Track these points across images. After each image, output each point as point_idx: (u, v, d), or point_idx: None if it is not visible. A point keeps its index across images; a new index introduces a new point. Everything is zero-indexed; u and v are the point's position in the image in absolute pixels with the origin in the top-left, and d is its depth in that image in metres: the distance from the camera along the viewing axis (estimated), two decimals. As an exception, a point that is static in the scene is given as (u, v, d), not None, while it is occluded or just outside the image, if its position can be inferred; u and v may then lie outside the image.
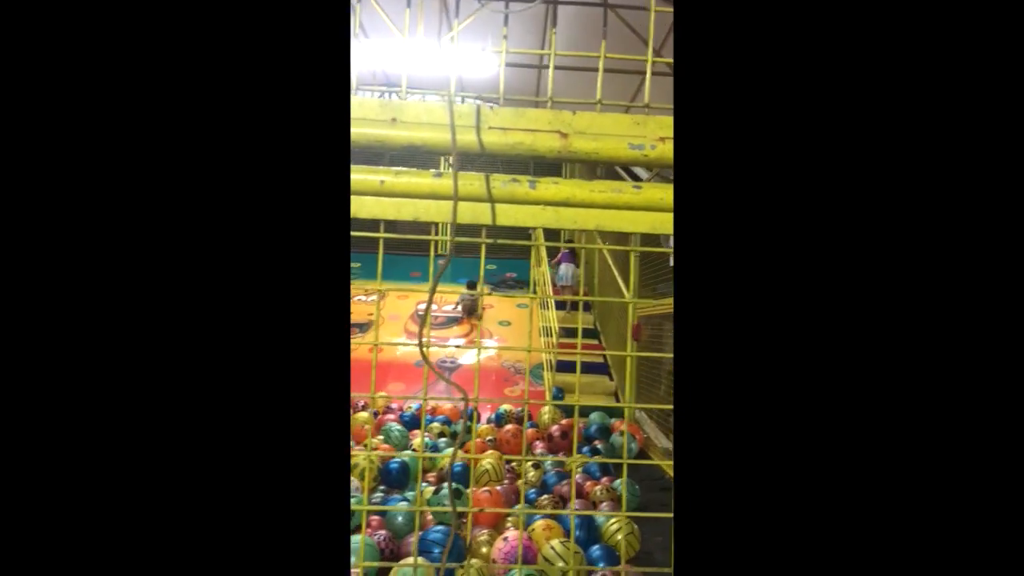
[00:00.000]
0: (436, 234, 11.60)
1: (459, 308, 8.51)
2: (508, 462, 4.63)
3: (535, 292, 8.91)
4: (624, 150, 0.96)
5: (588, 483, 4.16)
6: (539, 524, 3.30)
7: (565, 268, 8.24)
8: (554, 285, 8.61)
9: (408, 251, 11.67)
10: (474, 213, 0.96)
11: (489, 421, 6.09)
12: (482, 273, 1.11)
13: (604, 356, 7.75)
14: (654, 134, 0.95)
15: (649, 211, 0.97)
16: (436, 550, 3.14)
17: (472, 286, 7.96)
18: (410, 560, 2.91)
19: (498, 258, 11.46)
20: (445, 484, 4.03)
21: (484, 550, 3.19)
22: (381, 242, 0.95)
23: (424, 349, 0.92)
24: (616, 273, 7.23)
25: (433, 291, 0.94)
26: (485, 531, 3.38)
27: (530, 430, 5.46)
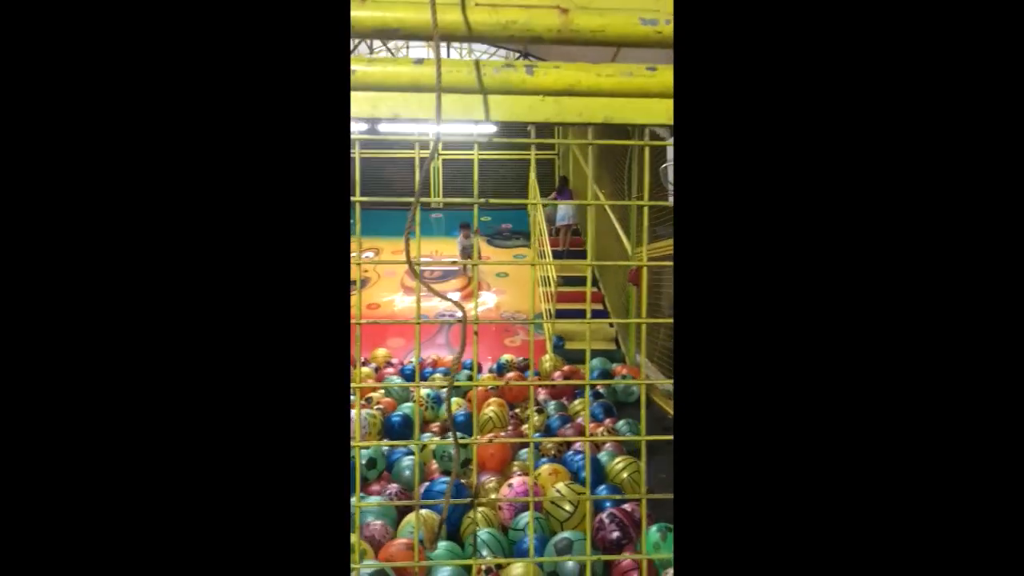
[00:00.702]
0: (431, 192, 11.42)
1: (459, 253, 8.45)
2: (512, 408, 4.60)
3: (533, 242, 8.79)
4: (634, 26, 0.82)
5: (591, 425, 4.13)
6: (544, 468, 3.26)
7: (565, 209, 8.27)
8: (551, 224, 8.53)
9: (402, 207, 11.48)
10: (464, 106, 0.83)
11: (491, 371, 6.05)
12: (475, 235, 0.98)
13: (603, 302, 7.68)
14: (670, 5, 0.81)
15: (665, 98, 0.84)
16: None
17: (467, 226, 7.93)
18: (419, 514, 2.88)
19: (493, 209, 11.28)
20: (449, 433, 4.00)
21: (491, 496, 3.17)
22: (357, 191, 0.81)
23: (416, 267, 0.81)
24: (614, 220, 7.08)
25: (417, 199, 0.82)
26: (492, 477, 3.35)
27: (532, 377, 5.42)
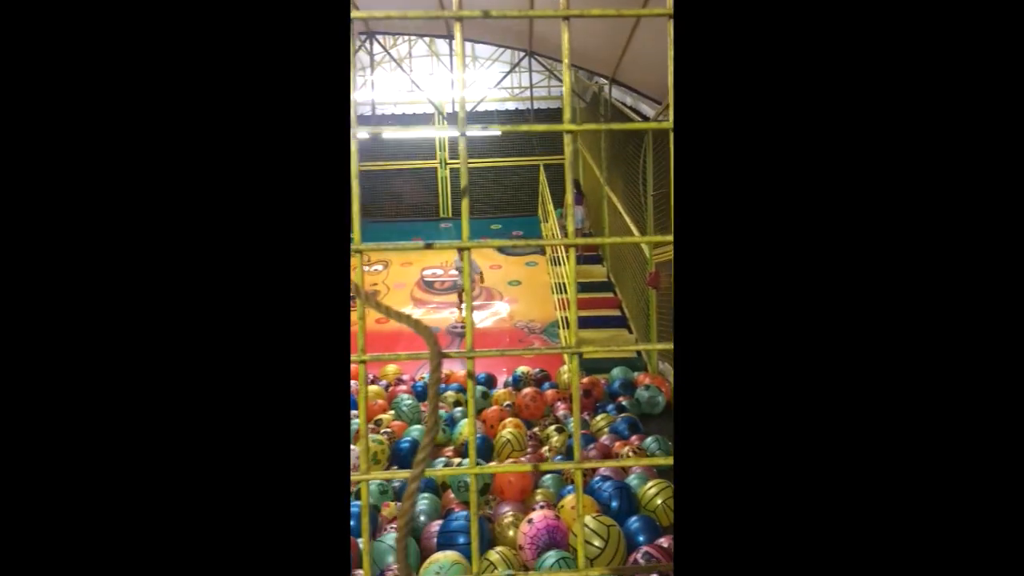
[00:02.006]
0: (439, 202, 11.24)
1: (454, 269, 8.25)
2: (529, 427, 4.30)
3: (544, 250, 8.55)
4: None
5: (617, 443, 3.82)
6: (568, 500, 2.97)
7: (577, 210, 8.09)
8: (564, 231, 8.41)
9: (411, 217, 11.30)
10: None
11: (507, 385, 5.77)
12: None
13: (621, 309, 7.39)
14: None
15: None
16: (461, 539, 2.83)
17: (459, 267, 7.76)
18: (439, 555, 2.61)
19: (503, 216, 11.05)
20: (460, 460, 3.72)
21: (511, 533, 2.88)
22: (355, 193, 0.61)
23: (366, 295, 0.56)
24: (628, 219, 6.79)
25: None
26: (510, 510, 3.05)
27: (550, 391, 5.13)
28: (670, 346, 0.60)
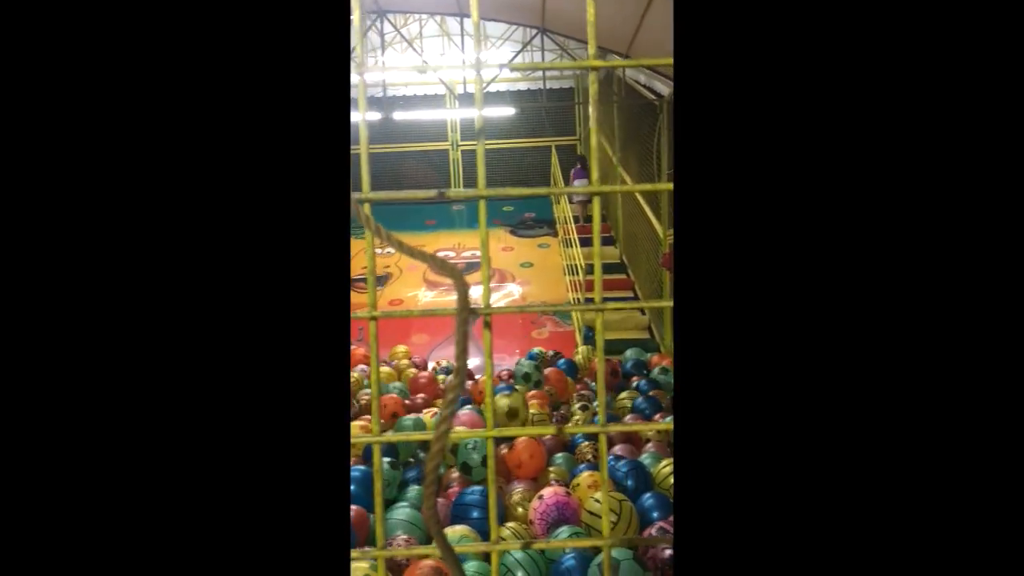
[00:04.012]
0: (451, 184, 11.17)
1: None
2: (555, 408, 4.27)
3: (556, 231, 8.51)
4: None
5: (640, 425, 3.81)
6: (583, 477, 2.96)
7: (580, 183, 8.61)
8: (570, 201, 8.85)
9: (422, 199, 11.23)
10: None
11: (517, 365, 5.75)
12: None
13: (634, 290, 7.34)
14: None
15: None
16: (475, 513, 2.84)
17: None
18: (450, 529, 2.62)
19: (516, 198, 10.96)
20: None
21: (520, 510, 2.88)
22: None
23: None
24: (643, 202, 6.72)
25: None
26: (520, 487, 3.05)
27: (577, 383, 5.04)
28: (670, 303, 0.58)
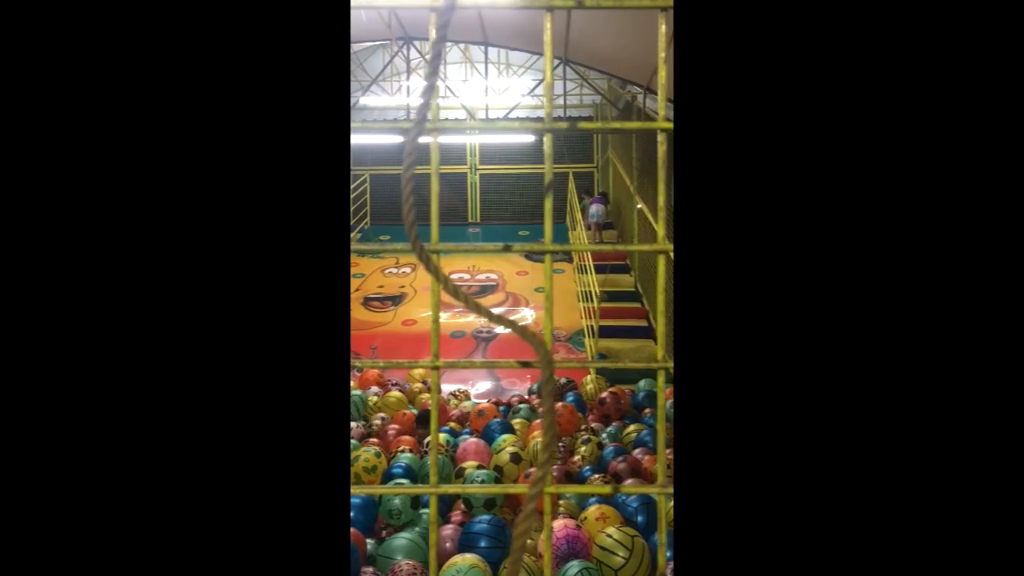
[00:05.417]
0: (468, 207, 11.27)
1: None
2: (559, 439, 4.23)
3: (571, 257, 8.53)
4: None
5: (646, 457, 3.75)
6: (592, 511, 2.92)
7: (596, 208, 9.28)
8: (586, 226, 9.35)
9: (440, 222, 11.31)
10: None
11: (530, 392, 5.73)
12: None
13: (648, 319, 7.30)
14: None
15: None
16: (482, 543, 2.81)
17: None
18: (458, 558, 2.58)
19: (531, 223, 11.02)
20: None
21: (529, 541, 2.84)
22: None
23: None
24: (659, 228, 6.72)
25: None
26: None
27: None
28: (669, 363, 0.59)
